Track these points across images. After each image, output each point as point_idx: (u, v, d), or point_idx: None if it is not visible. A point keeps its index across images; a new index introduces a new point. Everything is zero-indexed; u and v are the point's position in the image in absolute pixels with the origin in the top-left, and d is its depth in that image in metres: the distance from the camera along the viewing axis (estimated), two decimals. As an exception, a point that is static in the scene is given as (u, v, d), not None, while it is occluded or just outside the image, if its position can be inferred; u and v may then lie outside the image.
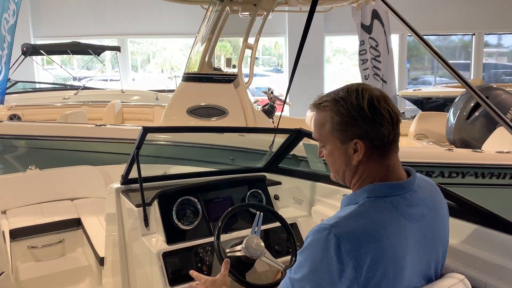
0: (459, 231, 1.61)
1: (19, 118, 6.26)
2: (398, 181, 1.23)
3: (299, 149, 2.51)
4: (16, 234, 2.92)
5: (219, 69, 5.19)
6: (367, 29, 9.13)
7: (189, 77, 5.02)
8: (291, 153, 2.53)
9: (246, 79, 5.21)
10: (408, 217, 1.19)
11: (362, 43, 9.20)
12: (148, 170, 2.32)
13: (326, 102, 1.24)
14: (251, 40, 5.17)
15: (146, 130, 1.98)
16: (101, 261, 2.56)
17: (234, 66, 5.15)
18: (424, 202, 1.25)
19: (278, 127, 3.29)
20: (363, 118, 1.18)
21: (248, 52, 5.18)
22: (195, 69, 4.97)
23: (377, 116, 1.18)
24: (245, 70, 5.51)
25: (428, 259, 1.24)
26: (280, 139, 2.51)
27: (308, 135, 2.30)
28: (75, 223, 3.11)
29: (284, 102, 3.12)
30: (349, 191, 1.32)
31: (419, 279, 1.23)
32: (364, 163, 1.23)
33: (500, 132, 4.40)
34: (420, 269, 1.22)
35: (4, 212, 3.25)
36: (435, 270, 1.30)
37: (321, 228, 1.13)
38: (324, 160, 1.34)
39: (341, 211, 1.22)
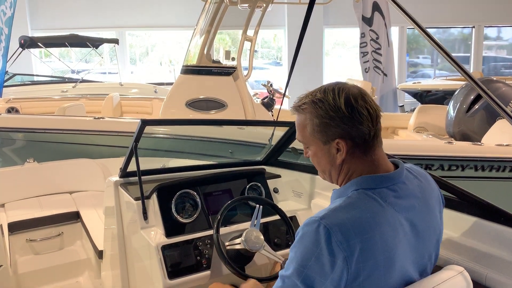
0: (460, 224, 1.61)
1: (17, 111, 6.24)
2: (386, 173, 1.24)
3: (298, 142, 2.50)
4: (15, 227, 2.91)
5: (218, 62, 5.16)
6: (367, 21, 9.08)
7: (188, 70, 5.00)
8: (291, 146, 2.52)
9: (245, 72, 5.19)
10: (397, 208, 1.20)
11: (362, 35, 9.14)
12: (147, 163, 2.30)
13: (305, 105, 1.26)
14: (250, 33, 5.14)
15: (145, 122, 1.97)
16: (100, 254, 2.55)
17: (233, 59, 5.13)
18: (413, 193, 1.26)
19: (278, 120, 3.27)
20: (342, 118, 1.20)
21: (247, 44, 5.16)
22: (193, 61, 4.94)
23: (356, 115, 1.19)
24: (244, 63, 5.49)
25: (420, 249, 1.24)
26: (280, 132, 2.49)
27: (308, 128, 2.29)
28: (74, 216, 3.10)
29: (284, 95, 3.10)
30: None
31: (413, 269, 1.23)
32: (348, 161, 1.25)
33: (500, 125, 4.39)
34: (413, 260, 1.22)
35: (2, 206, 3.24)
36: (429, 260, 1.30)
37: (311, 221, 1.14)
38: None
39: (331, 204, 1.23)
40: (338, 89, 1.22)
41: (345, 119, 1.19)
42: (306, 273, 1.10)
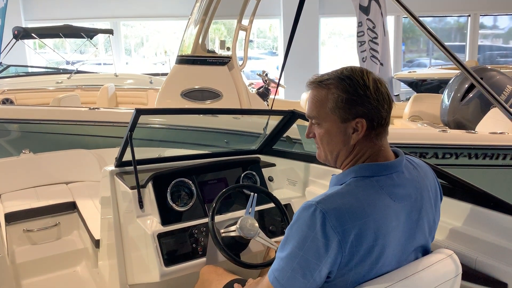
0: (451, 209, 1.63)
1: (11, 102, 6.22)
2: (385, 161, 1.25)
3: (293, 131, 2.52)
4: (12, 217, 2.92)
5: (213, 52, 5.15)
6: (365, 10, 9.00)
7: (183, 60, 4.99)
8: (285, 135, 2.53)
9: (240, 62, 5.18)
10: (393, 196, 1.21)
11: (360, 24, 9.06)
12: (143, 153, 2.31)
13: (329, 80, 1.24)
14: (245, 22, 5.12)
15: (139, 112, 1.98)
16: (97, 243, 2.57)
17: (228, 49, 5.12)
18: (411, 183, 1.27)
19: (272, 109, 3.28)
20: (369, 97, 1.21)
21: (242, 34, 5.14)
22: (188, 51, 4.93)
23: (380, 97, 1.22)
24: (240, 53, 5.48)
25: (412, 238, 1.26)
26: (274, 121, 2.50)
27: (302, 116, 2.30)
28: (71, 207, 3.11)
29: (278, 84, 3.11)
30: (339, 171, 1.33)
31: (405, 257, 1.25)
32: (361, 143, 1.25)
33: (494, 113, 4.42)
34: (406, 248, 1.25)
35: None
36: (422, 249, 1.32)
37: (308, 205, 1.16)
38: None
39: (328, 190, 1.25)
40: (366, 71, 1.24)
41: (372, 99, 1.20)
42: (302, 255, 1.13)
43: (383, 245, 1.17)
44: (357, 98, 1.20)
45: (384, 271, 1.19)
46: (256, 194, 2.00)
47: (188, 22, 5.11)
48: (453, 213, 1.63)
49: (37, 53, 10.34)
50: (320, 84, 1.26)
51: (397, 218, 1.20)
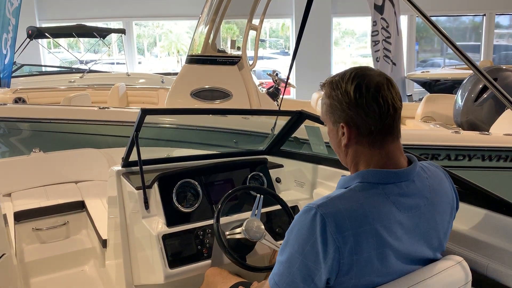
0: (462, 214, 1.58)
1: (24, 101, 6.27)
2: (396, 169, 1.20)
3: (301, 132, 2.48)
4: (21, 216, 2.94)
5: (223, 51, 5.14)
6: (379, 9, 8.91)
7: (193, 59, 4.98)
8: (293, 135, 2.50)
9: (251, 62, 5.16)
10: (399, 206, 1.17)
11: (374, 23, 8.97)
12: (152, 152, 2.30)
13: (325, 84, 1.26)
14: (256, 22, 5.10)
15: (145, 112, 1.96)
16: (104, 243, 2.57)
17: (238, 48, 5.10)
18: (422, 193, 1.22)
19: (281, 109, 3.26)
20: (348, 104, 1.18)
21: (253, 34, 5.13)
22: (198, 51, 4.93)
23: (363, 104, 1.16)
24: (251, 52, 5.47)
25: (420, 250, 1.21)
26: (283, 121, 2.47)
27: (310, 117, 2.27)
28: (79, 206, 3.12)
29: (286, 84, 3.08)
30: (349, 173, 1.30)
31: (410, 269, 1.20)
32: (353, 147, 1.23)
33: (509, 114, 4.33)
34: (410, 259, 1.20)
35: (8, 195, 3.27)
36: (428, 261, 1.26)
37: (308, 208, 1.13)
38: (326, 142, 1.35)
39: (333, 192, 1.21)
40: (355, 75, 1.19)
41: (351, 106, 1.17)
42: (301, 260, 1.10)
43: (386, 255, 1.12)
44: (337, 104, 1.20)
45: (388, 279, 1.15)
46: (262, 196, 1.97)
47: (198, 21, 5.11)
48: (463, 218, 1.58)
49: (51, 53, 10.46)
50: (321, 87, 1.29)
51: (402, 229, 1.16)
